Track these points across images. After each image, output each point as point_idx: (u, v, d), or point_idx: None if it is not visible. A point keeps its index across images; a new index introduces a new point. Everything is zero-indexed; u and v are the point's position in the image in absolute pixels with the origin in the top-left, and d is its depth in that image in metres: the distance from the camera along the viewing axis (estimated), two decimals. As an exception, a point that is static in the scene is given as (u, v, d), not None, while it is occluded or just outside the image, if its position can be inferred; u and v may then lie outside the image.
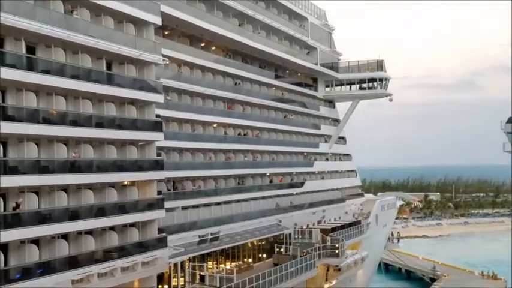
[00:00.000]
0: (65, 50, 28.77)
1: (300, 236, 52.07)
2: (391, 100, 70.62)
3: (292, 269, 44.44)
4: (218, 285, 38.41)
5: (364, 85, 69.11)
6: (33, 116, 26.72)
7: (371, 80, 68.84)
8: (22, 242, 26.57)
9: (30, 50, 27.41)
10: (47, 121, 27.40)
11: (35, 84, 26.85)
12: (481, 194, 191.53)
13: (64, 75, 28.23)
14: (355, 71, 69.58)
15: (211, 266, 43.01)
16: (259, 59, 55.95)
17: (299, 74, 65.46)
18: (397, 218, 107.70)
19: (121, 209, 31.79)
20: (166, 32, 42.14)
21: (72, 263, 28.28)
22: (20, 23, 25.56)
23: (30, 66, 26.61)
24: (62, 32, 27.80)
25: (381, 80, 68.65)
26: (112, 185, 31.85)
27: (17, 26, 25.49)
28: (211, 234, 43.15)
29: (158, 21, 34.74)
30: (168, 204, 36.13)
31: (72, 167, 28.90)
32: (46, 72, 27.22)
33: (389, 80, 69.47)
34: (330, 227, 57.50)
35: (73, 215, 28.60)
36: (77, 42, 28.87)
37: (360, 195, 76.95)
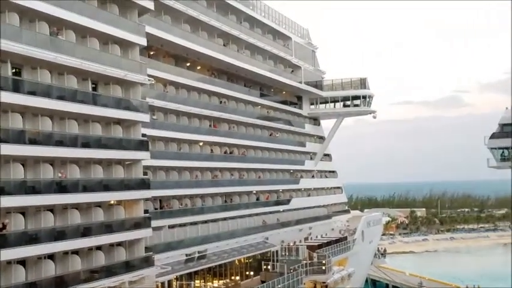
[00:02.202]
0: (50, 71, 29.05)
1: (287, 253, 52.28)
2: (374, 117, 71.52)
3: (279, 286, 44.62)
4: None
5: (348, 102, 70.01)
6: (19, 137, 26.87)
7: (355, 98, 69.76)
8: (8, 262, 26.51)
9: (16, 71, 27.65)
10: (33, 142, 27.56)
11: (21, 106, 27.05)
12: (466, 209, 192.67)
13: (50, 96, 28.46)
14: (339, 89, 70.53)
15: (198, 285, 43.02)
16: (244, 78, 56.48)
17: (284, 93, 66.05)
18: (383, 234, 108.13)
19: (108, 228, 31.86)
20: (151, 52, 42.58)
21: (59, 283, 28.27)
22: (6, 45, 25.79)
23: (16, 88, 26.80)
24: (48, 53, 28.08)
25: (364, 97, 69.60)
26: (98, 204, 31.94)
27: (3, 48, 25.69)
28: (199, 252, 43.25)
29: (143, 41, 35.11)
30: (155, 223, 36.25)
31: (59, 187, 28.98)
32: (32, 93, 27.47)
33: (372, 97, 70.44)
34: (316, 244, 57.79)
35: (59, 235, 28.63)
36: (62, 64, 29.14)
37: (346, 211, 77.41)
